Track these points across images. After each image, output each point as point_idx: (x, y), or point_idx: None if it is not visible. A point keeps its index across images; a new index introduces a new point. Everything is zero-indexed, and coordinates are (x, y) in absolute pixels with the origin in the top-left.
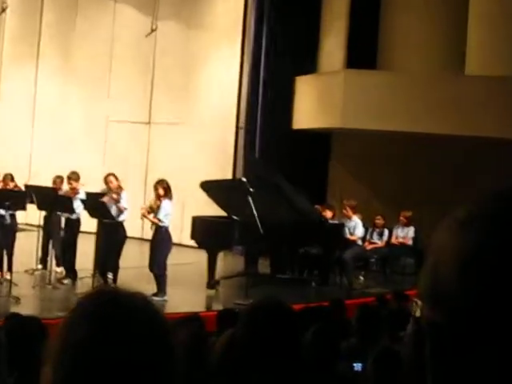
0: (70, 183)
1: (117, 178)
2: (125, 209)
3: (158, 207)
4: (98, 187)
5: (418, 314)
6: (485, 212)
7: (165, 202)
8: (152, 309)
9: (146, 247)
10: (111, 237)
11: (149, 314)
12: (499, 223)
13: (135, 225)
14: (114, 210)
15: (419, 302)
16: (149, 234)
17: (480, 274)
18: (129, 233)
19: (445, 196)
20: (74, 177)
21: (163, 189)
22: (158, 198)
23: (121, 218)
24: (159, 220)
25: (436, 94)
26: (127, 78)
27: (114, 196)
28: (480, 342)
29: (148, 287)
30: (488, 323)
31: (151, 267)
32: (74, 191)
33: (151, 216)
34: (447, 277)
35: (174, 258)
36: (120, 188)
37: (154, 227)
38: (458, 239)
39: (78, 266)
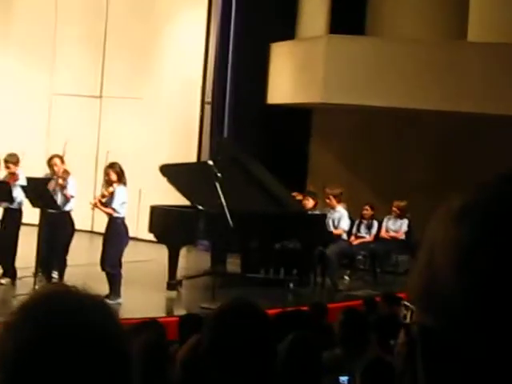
0: (7, 167)
1: (63, 161)
2: (72, 197)
3: (112, 195)
4: (40, 172)
5: (408, 319)
6: (482, 202)
7: (119, 189)
8: (105, 312)
9: (98, 241)
10: (57, 230)
11: (101, 318)
12: (498, 215)
13: (84, 215)
14: (59, 199)
15: (410, 306)
16: (100, 226)
17: (479, 272)
18: (77, 225)
19: (444, 182)
20: (12, 160)
21: (116, 173)
22: (110, 183)
23: (67, 208)
24: (113, 210)
25: (433, 63)
26: (74, 44)
27: (60, 182)
28: (477, 348)
29: (99, 288)
30: (488, 329)
31: (103, 265)
32: (14, 177)
33: (102, 206)
34: (442, 276)
35: (129, 255)
36: (66, 172)
37: (107, 218)
38: (454, 233)
39: (17, 264)
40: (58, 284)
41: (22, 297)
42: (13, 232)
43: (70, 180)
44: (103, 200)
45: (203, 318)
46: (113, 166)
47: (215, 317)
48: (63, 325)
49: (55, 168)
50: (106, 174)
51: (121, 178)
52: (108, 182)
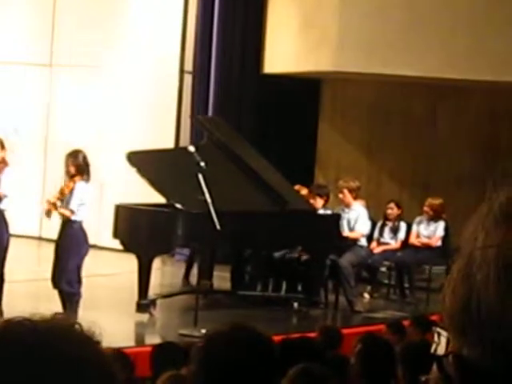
0: None
1: (3, 147)
2: (5, 196)
3: (71, 191)
4: None
5: (442, 349)
6: None
7: (79, 186)
8: (82, 340)
9: (47, 250)
10: None
11: (76, 349)
12: None
13: (30, 217)
14: None
15: (443, 333)
16: (51, 230)
17: None
18: (22, 229)
19: (493, 174)
20: None
21: (75, 166)
22: (71, 177)
23: (1, 206)
24: (71, 211)
25: (479, 21)
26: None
27: None
28: None
29: (49, 309)
30: None
31: (57, 281)
32: None
33: (59, 206)
34: (483, 295)
35: (88, 267)
36: (3, 162)
37: (61, 221)
38: (497, 240)
39: None
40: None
41: None
42: None
43: (7, 172)
44: (61, 198)
45: (184, 349)
46: (74, 154)
47: (204, 346)
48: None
49: None
50: (66, 163)
51: (82, 172)
52: (68, 175)
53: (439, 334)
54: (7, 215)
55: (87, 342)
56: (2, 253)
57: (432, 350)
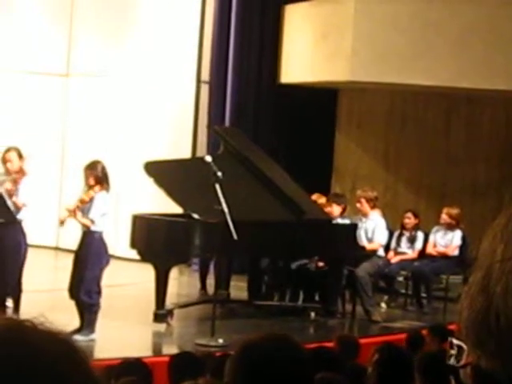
0: None
1: (21, 156)
2: (24, 205)
3: (90, 201)
4: None
5: (460, 360)
6: None
7: (99, 196)
8: (70, 354)
9: (65, 260)
10: (5, 246)
11: (65, 363)
12: None
13: (48, 228)
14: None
15: (459, 343)
16: (68, 241)
17: None
18: (39, 240)
19: (510, 183)
20: None
21: (95, 177)
22: (90, 188)
23: (19, 217)
24: (92, 221)
25: (497, 28)
26: (35, 10)
27: (8, 186)
28: None
29: (66, 320)
30: None
31: (75, 292)
32: None
33: (79, 215)
34: (502, 306)
35: (105, 277)
36: (21, 172)
37: (82, 232)
38: None
39: None
40: (8, 318)
41: None
42: None
43: (26, 182)
44: (81, 207)
45: (201, 359)
46: (93, 166)
47: (239, 356)
48: (13, 373)
49: (8, 165)
50: (85, 175)
51: (102, 183)
52: (88, 186)
53: (454, 345)
54: (25, 225)
55: (80, 358)
56: (19, 263)
57: (447, 360)
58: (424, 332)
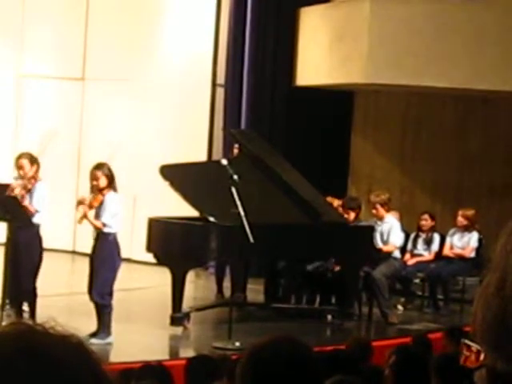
0: None
1: (33, 162)
2: (36, 211)
3: (101, 204)
4: (6, 174)
5: (473, 361)
6: None
7: (110, 197)
8: (83, 359)
9: (82, 264)
10: (21, 250)
11: (82, 368)
12: None
13: (64, 232)
14: None
15: (473, 345)
16: (84, 244)
17: None
18: (56, 244)
19: None
20: None
21: (106, 177)
22: (99, 190)
23: (35, 220)
24: (103, 224)
25: (506, 32)
26: (49, 14)
27: (18, 191)
28: None
29: (83, 323)
30: None
31: (92, 294)
32: None
33: (91, 216)
34: None
35: (121, 281)
36: (33, 179)
37: (94, 234)
38: None
39: None
40: (19, 323)
41: None
42: None
43: (39, 187)
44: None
45: (218, 362)
46: (100, 166)
47: (249, 360)
48: (32, 378)
49: (21, 172)
50: (94, 177)
51: (111, 183)
52: (95, 188)
53: (468, 346)
54: (41, 230)
55: (94, 363)
56: (34, 268)
57: (461, 361)
58: (440, 334)
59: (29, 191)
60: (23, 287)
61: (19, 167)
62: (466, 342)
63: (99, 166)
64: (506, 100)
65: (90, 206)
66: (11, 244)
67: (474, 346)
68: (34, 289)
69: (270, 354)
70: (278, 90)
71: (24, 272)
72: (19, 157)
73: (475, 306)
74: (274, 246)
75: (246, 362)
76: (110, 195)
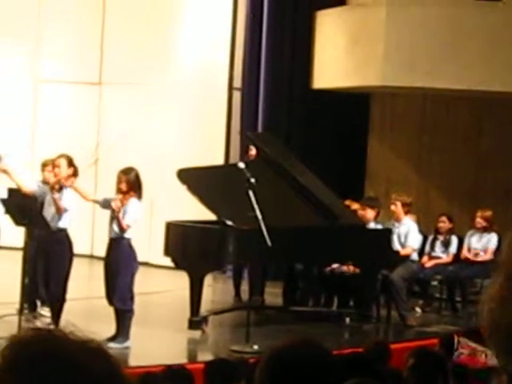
0: None
1: (71, 164)
2: (65, 210)
3: (123, 208)
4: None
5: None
6: None
7: (132, 203)
8: (107, 363)
9: (99, 268)
10: (49, 254)
11: (101, 371)
12: None
13: (82, 236)
14: (50, 213)
15: (481, 348)
16: (102, 249)
17: None
18: (75, 248)
19: None
20: None
21: (127, 182)
22: (122, 193)
23: (62, 225)
24: (127, 226)
25: None
26: (65, 18)
27: (55, 189)
28: None
29: (101, 327)
30: None
31: (111, 298)
32: None
33: (120, 215)
34: None
35: (139, 285)
36: (69, 178)
37: (109, 239)
38: None
39: None
40: (39, 328)
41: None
42: None
43: (132, 203)
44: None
45: (236, 365)
46: (127, 171)
47: (269, 364)
48: (52, 381)
49: (56, 170)
50: (118, 180)
51: (134, 189)
52: (119, 192)
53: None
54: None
55: (114, 366)
56: (64, 273)
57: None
58: (458, 336)
59: (60, 190)
60: (52, 291)
61: (55, 165)
62: (471, 343)
63: (125, 171)
64: None
65: (114, 211)
66: (34, 247)
67: (482, 349)
68: (63, 293)
69: (289, 358)
70: (295, 92)
71: (53, 277)
72: (58, 157)
73: (483, 310)
74: (291, 249)
75: (265, 366)
76: (132, 201)
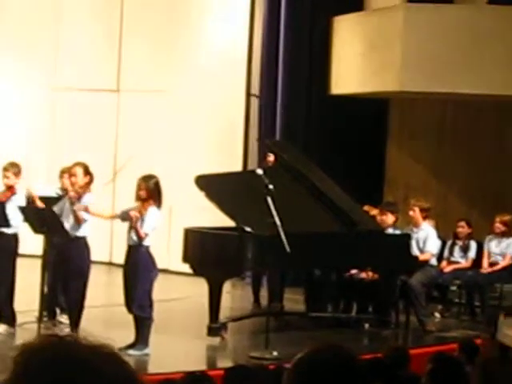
0: (6, 177)
1: (87, 173)
2: (84, 220)
3: (142, 216)
4: (42, 186)
5: None
6: None
7: (152, 211)
8: (121, 368)
9: (118, 275)
10: (68, 262)
11: (115, 376)
12: None
13: (100, 243)
14: (69, 222)
15: None
16: (121, 256)
17: None
18: (93, 254)
19: None
20: (13, 170)
21: (146, 189)
22: (142, 201)
23: (81, 233)
24: (145, 234)
25: None
26: (82, 26)
27: (72, 195)
28: None
29: (120, 334)
30: None
31: (130, 306)
32: (10, 191)
33: (138, 224)
34: None
35: (157, 292)
36: (86, 187)
37: (127, 246)
38: None
39: (16, 306)
40: (50, 335)
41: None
42: (7, 265)
43: (87, 198)
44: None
45: (255, 372)
46: (147, 178)
47: (296, 369)
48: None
49: (73, 179)
50: (138, 187)
51: (154, 198)
52: (138, 199)
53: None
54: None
55: (131, 373)
56: (83, 281)
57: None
58: (478, 341)
59: (79, 198)
60: (72, 299)
61: (71, 174)
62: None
63: (145, 178)
64: None
65: (133, 220)
66: (53, 255)
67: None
68: (82, 301)
69: (316, 363)
70: (313, 99)
71: (71, 284)
72: (74, 165)
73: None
74: (310, 255)
75: (293, 371)
76: (151, 210)
